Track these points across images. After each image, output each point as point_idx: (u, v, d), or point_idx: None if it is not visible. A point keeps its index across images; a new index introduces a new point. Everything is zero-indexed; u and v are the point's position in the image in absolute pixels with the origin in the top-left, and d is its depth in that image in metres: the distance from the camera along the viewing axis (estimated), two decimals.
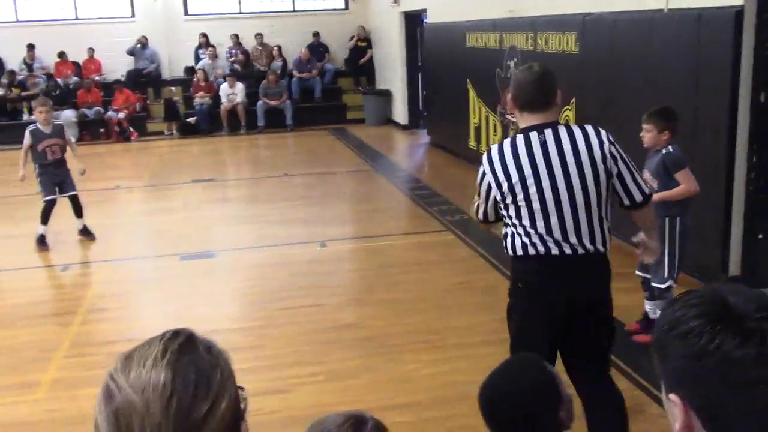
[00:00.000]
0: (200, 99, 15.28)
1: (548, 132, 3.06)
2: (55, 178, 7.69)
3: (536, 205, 3.04)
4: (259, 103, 15.31)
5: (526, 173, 3.03)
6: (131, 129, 15.06)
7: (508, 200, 3.09)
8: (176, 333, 1.11)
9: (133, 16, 16.26)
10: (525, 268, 3.16)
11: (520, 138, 3.09)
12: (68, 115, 14.75)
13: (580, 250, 3.05)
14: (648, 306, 4.88)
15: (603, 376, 3.27)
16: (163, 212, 9.26)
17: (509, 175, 3.06)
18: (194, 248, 7.48)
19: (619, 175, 3.08)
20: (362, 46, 16.55)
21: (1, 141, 13.72)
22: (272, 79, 15.37)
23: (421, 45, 13.97)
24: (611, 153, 3.06)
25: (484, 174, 3.18)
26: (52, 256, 7.64)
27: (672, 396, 1.09)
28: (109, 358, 1.15)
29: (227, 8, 16.69)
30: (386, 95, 15.61)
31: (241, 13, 16.75)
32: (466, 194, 9.95)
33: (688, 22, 5.73)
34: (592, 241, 3.06)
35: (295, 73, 16.07)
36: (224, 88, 15.19)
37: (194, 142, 14.72)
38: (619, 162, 3.08)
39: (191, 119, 15.34)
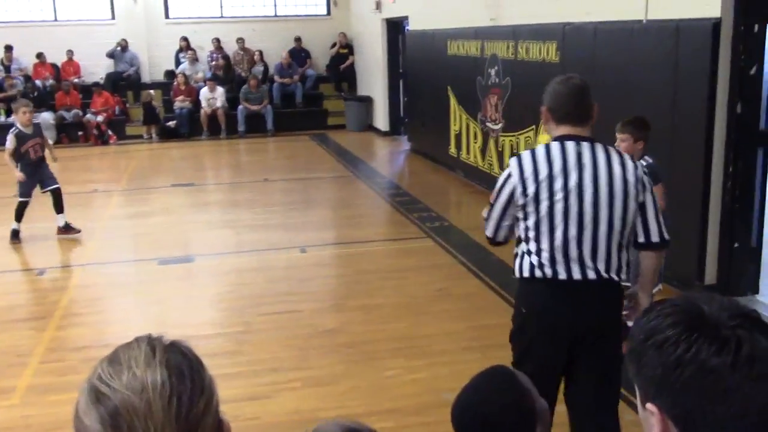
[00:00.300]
0: (180, 103, 15.21)
1: (585, 144, 2.93)
2: (36, 177, 7.85)
3: (559, 215, 2.88)
4: (240, 107, 15.26)
5: (555, 179, 2.88)
6: (110, 132, 14.95)
7: (530, 207, 2.92)
8: (151, 336, 1.12)
9: (113, 18, 16.16)
10: (530, 291, 3.02)
11: (555, 145, 2.94)
12: (46, 117, 14.60)
13: (591, 275, 2.90)
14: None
15: (605, 423, 3.07)
16: (141, 216, 9.19)
17: (538, 177, 2.90)
18: (173, 253, 7.43)
19: (643, 207, 2.96)
20: (344, 53, 16.57)
21: None
22: (253, 84, 15.34)
23: (402, 52, 14.01)
24: (642, 181, 2.95)
25: (508, 177, 2.97)
26: (28, 259, 7.57)
27: (649, 406, 1.10)
28: (84, 364, 1.15)
29: (209, 12, 16.64)
30: (367, 101, 15.63)
31: (222, 17, 16.71)
32: (446, 201, 10.01)
33: (666, 33, 5.80)
34: (607, 268, 2.91)
35: (276, 78, 16.05)
36: (204, 93, 15.14)
37: (174, 146, 14.64)
38: (648, 193, 2.96)
39: (171, 123, 15.25)
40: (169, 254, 7.36)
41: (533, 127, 8.17)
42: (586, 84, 3.03)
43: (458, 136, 10.63)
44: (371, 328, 5.40)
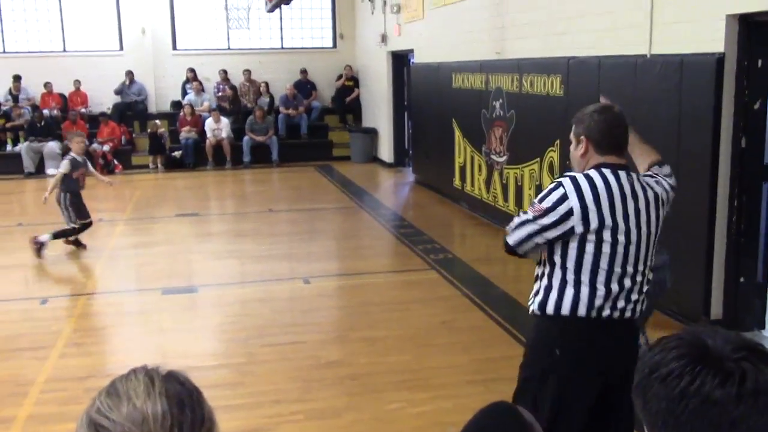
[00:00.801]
0: (186, 133, 15.30)
1: (634, 176, 2.89)
2: (82, 204, 8.41)
3: (620, 249, 2.77)
4: (245, 138, 15.35)
5: (617, 210, 2.77)
6: (116, 162, 15.03)
7: (590, 237, 2.76)
8: (148, 367, 1.12)
9: (121, 49, 16.33)
10: (566, 330, 2.84)
11: (608, 173, 2.83)
12: (53, 146, 14.70)
13: (628, 313, 2.83)
14: None
15: None
16: (145, 246, 9.19)
17: (600, 207, 2.75)
18: (177, 283, 7.42)
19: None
20: (349, 85, 16.70)
21: None
22: (259, 115, 15.44)
23: (407, 84, 14.11)
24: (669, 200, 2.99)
25: (564, 197, 2.77)
26: (31, 288, 7.56)
27: None
28: (86, 394, 1.14)
29: (216, 44, 16.80)
30: (372, 133, 15.71)
31: (229, 49, 16.87)
32: (451, 233, 10.00)
33: (670, 67, 5.83)
34: (641, 303, 2.89)
35: (281, 109, 16.16)
36: (209, 123, 15.25)
37: (179, 176, 14.69)
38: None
39: (176, 153, 15.33)
40: (173, 284, 7.35)
41: (538, 159, 8.19)
42: (623, 113, 3.02)
43: (463, 169, 10.66)
44: (375, 360, 5.36)
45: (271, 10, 13.88)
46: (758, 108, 5.44)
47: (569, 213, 2.75)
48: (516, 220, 2.91)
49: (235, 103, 16.09)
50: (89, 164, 8.73)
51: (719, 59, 5.39)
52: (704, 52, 5.52)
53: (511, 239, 2.90)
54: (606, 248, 2.77)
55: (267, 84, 16.40)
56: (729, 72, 5.39)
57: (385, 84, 14.71)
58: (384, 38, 14.33)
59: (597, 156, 2.89)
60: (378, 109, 15.41)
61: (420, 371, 5.14)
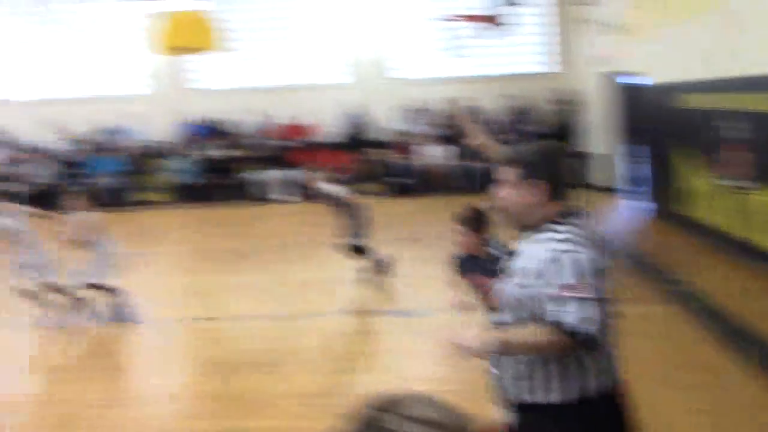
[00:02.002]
0: (407, 160, 15.74)
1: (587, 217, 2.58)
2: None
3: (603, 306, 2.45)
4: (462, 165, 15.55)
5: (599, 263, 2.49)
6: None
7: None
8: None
9: (347, 81, 17.08)
10: (602, 411, 2.43)
11: (572, 227, 2.48)
12: (275, 175, 15.61)
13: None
14: None
15: None
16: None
17: (594, 263, 2.41)
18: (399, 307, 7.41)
19: None
20: (567, 109, 16.30)
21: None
22: (474, 142, 15.56)
23: (629, 107, 13.52)
24: None
25: (582, 257, 2.37)
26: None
27: None
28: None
29: (434, 72, 16.99)
30: (585, 158, 15.20)
31: (451, 77, 16.86)
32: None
33: None
34: None
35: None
36: (428, 150, 15.77)
37: (405, 201, 14.88)
38: None
39: (400, 180, 15.75)
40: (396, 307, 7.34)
41: None
42: None
43: (695, 193, 10.01)
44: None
45: (486, 37, 13.94)
46: None
47: (594, 267, 2.39)
48: (572, 306, 2.30)
49: (453, 130, 16.30)
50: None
51: None
52: None
53: (592, 327, 2.30)
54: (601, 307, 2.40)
55: (485, 111, 16.41)
56: None
57: (603, 107, 14.24)
58: (604, 61, 13.90)
59: (553, 203, 2.48)
60: (597, 133, 14.93)
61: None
